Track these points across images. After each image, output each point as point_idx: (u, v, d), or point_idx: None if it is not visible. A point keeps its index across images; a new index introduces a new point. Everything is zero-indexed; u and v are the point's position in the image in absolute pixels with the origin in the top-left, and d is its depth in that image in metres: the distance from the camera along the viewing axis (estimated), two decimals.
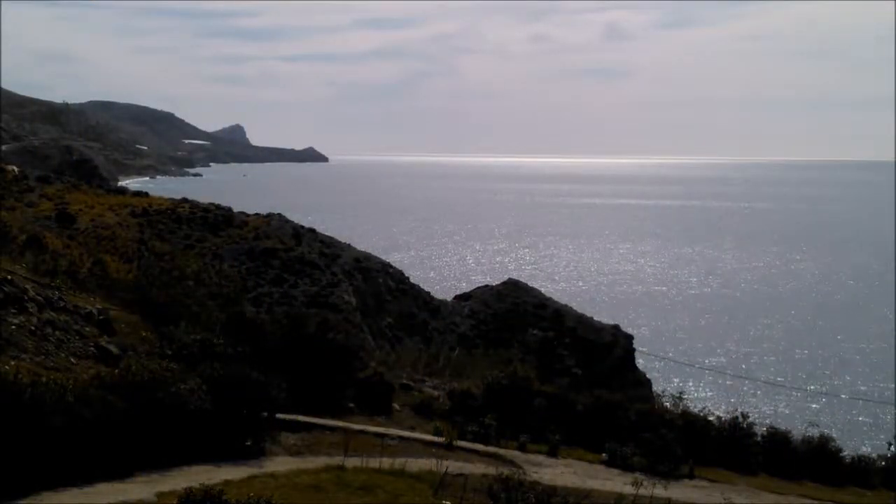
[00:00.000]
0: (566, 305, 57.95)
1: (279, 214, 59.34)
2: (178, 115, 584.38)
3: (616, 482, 19.27)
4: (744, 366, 72.19)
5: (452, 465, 18.08)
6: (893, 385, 64.74)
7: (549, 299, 57.72)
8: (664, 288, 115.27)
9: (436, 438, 20.85)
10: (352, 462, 16.98)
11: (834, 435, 26.73)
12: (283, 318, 23.85)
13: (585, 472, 20.21)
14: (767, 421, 35.49)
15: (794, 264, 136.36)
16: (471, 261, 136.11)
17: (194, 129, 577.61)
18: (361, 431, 20.14)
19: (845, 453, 25.17)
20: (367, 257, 56.79)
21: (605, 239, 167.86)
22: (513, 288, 57.82)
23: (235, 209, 59.39)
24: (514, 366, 25.79)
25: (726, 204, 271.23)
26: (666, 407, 24.83)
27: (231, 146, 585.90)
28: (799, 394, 63.86)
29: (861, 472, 24.25)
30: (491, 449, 21.10)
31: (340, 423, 20.26)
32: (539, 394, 24.10)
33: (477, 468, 18.59)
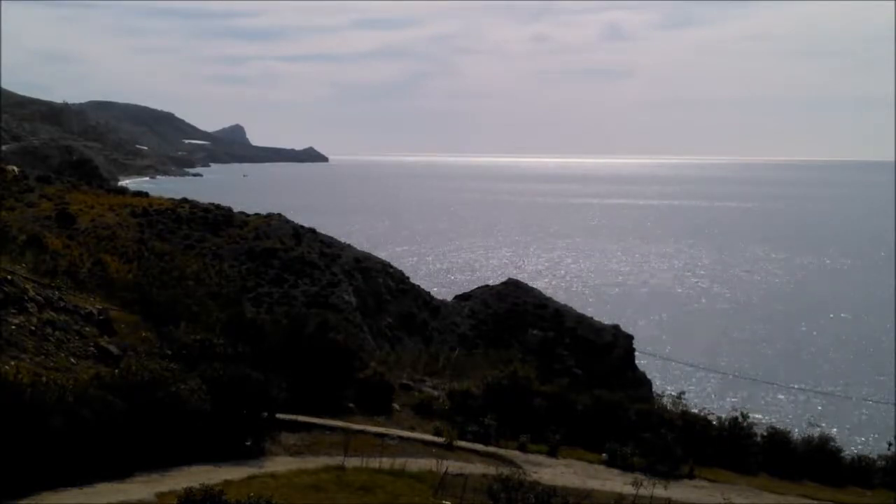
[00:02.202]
0: (566, 305, 57.98)
1: (279, 214, 59.34)
2: (178, 115, 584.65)
3: (616, 482, 19.26)
4: (745, 365, 72.15)
5: (452, 465, 18.07)
6: (894, 385, 64.72)
7: (549, 299, 57.76)
8: (664, 287, 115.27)
9: (436, 438, 20.84)
10: (352, 462, 16.97)
11: (834, 435, 26.73)
12: (283, 318, 23.83)
13: (585, 472, 20.20)
14: (767, 420, 35.45)
15: (793, 264, 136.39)
16: (470, 260, 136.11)
17: (194, 129, 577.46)
18: (361, 431, 20.12)
19: (845, 453, 25.17)
20: (367, 257, 56.80)
21: (605, 238, 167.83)
22: (513, 288, 57.86)
23: (235, 209, 59.39)
24: (514, 366, 25.77)
25: (726, 203, 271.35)
26: (666, 407, 24.82)
27: (231, 146, 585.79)
28: (800, 394, 63.83)
29: (861, 472, 24.24)
30: (491, 449, 21.09)
31: (340, 423, 20.25)
32: (539, 394, 24.09)
33: (477, 468, 18.58)
